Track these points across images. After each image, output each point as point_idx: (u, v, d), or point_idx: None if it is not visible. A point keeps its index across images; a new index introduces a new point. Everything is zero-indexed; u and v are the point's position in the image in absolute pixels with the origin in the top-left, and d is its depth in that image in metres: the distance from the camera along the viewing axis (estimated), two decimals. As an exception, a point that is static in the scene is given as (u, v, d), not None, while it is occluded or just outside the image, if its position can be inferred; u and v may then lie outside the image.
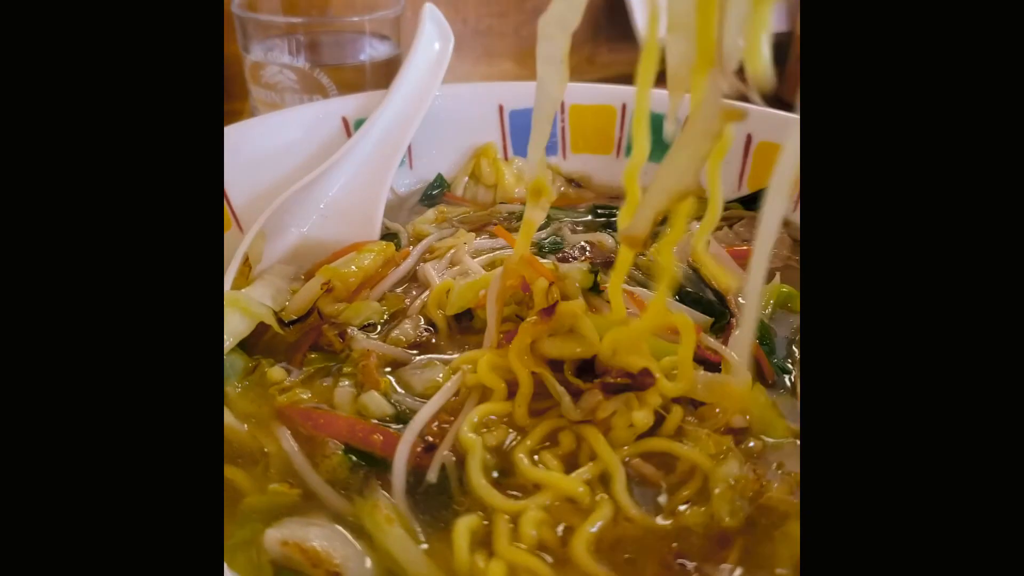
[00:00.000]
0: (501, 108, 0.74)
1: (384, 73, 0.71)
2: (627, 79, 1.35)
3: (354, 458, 0.42)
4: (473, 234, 0.62)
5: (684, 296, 0.53)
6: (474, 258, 0.57)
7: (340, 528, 0.39)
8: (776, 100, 0.36)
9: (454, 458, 0.42)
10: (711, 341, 0.47)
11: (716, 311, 0.52)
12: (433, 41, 0.69)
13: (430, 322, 0.52)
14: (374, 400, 0.45)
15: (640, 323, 0.43)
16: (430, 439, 0.42)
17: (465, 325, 0.52)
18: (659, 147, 0.40)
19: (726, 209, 0.66)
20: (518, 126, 0.74)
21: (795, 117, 0.30)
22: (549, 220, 0.64)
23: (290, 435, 0.44)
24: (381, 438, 0.42)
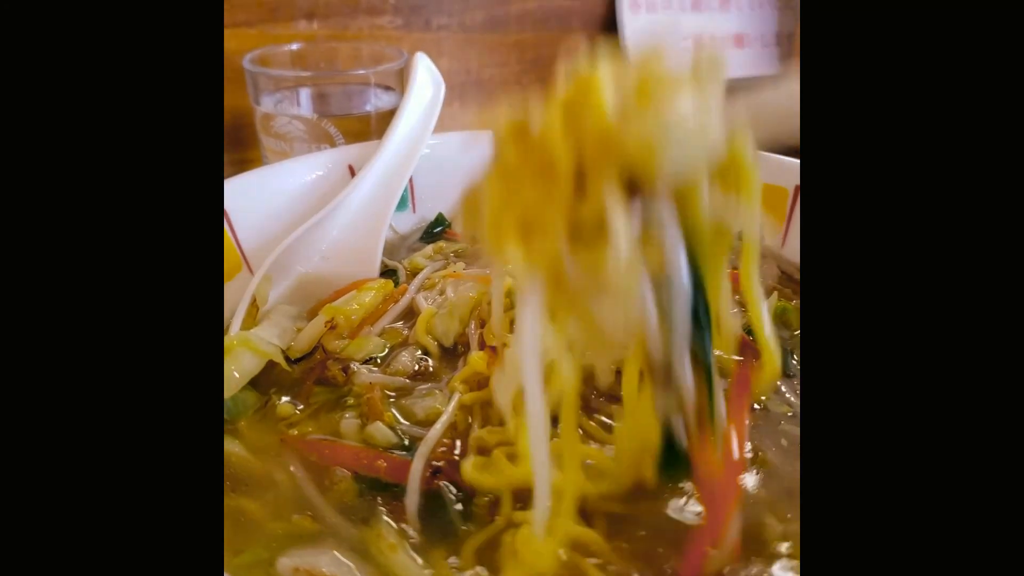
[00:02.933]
0: (499, 152, 0.77)
1: (388, 122, 0.74)
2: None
3: (362, 485, 0.44)
4: (463, 264, 0.65)
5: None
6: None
7: (349, 555, 0.41)
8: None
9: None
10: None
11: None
12: (426, 88, 0.73)
13: (426, 351, 0.55)
14: (380, 430, 0.47)
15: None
16: (435, 463, 0.44)
17: (457, 351, 0.55)
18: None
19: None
20: (517, 169, 0.77)
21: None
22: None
23: (299, 465, 0.46)
24: (385, 464, 0.44)
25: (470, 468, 0.42)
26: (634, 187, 0.30)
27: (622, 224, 0.28)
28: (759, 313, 0.39)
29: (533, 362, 0.31)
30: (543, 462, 0.33)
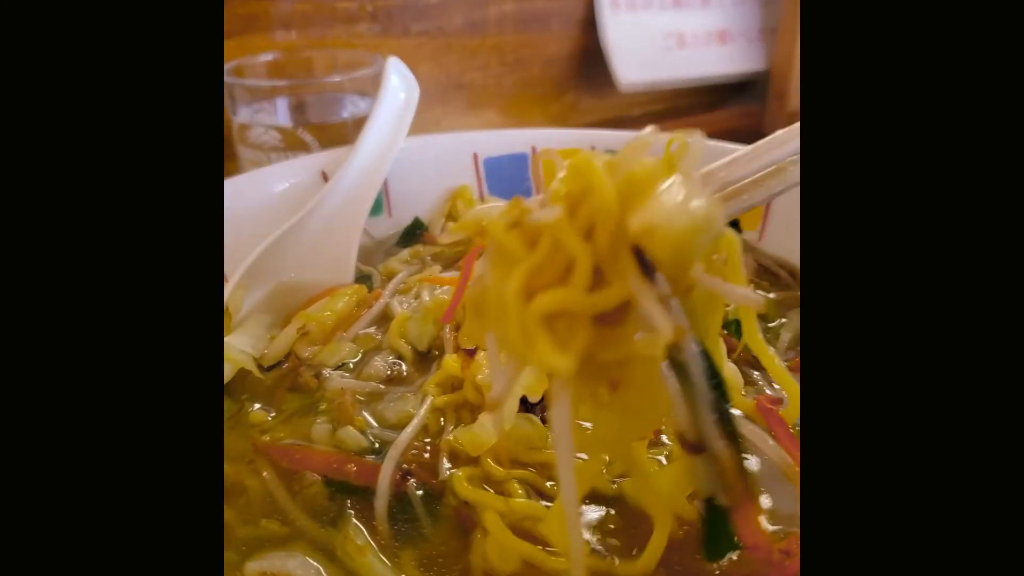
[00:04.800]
0: (476, 156, 0.77)
1: (364, 128, 0.75)
2: (610, 123, 1.39)
3: (332, 489, 0.44)
4: (439, 267, 0.65)
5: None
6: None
7: (317, 558, 0.41)
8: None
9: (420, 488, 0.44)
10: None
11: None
12: (398, 92, 0.73)
13: (399, 355, 0.55)
14: (350, 435, 0.47)
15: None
16: (405, 466, 0.44)
17: (432, 355, 0.55)
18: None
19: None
20: (492, 171, 0.78)
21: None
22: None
23: (271, 471, 0.46)
24: (355, 468, 0.44)
25: (465, 483, 0.43)
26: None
27: (656, 306, 0.28)
28: (778, 369, 0.42)
29: (568, 457, 0.31)
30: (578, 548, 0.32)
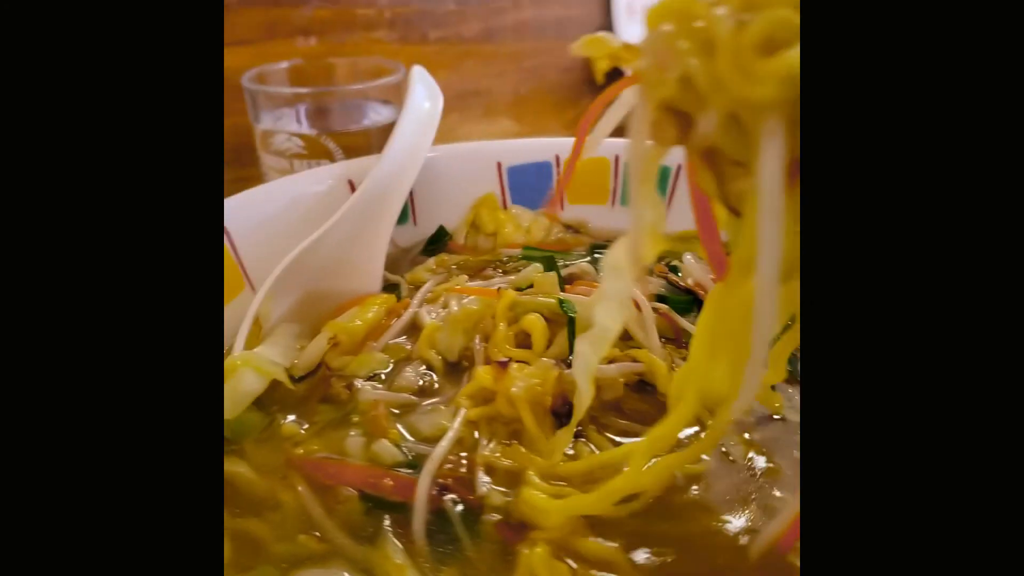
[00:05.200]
0: (499, 165, 0.77)
1: (387, 136, 0.74)
2: (622, 131, 1.39)
3: (368, 504, 0.44)
4: (466, 276, 0.65)
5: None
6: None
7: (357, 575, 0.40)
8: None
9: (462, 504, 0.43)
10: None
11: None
12: (423, 101, 0.73)
13: (430, 366, 0.54)
14: (386, 448, 0.47)
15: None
16: (441, 481, 0.44)
17: (462, 365, 0.55)
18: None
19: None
20: (516, 180, 0.77)
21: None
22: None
23: (305, 485, 0.45)
24: (392, 482, 0.44)
25: (542, 499, 0.41)
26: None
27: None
28: None
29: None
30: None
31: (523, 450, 0.45)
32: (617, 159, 0.77)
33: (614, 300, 0.37)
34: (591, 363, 0.39)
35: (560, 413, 0.48)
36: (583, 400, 0.41)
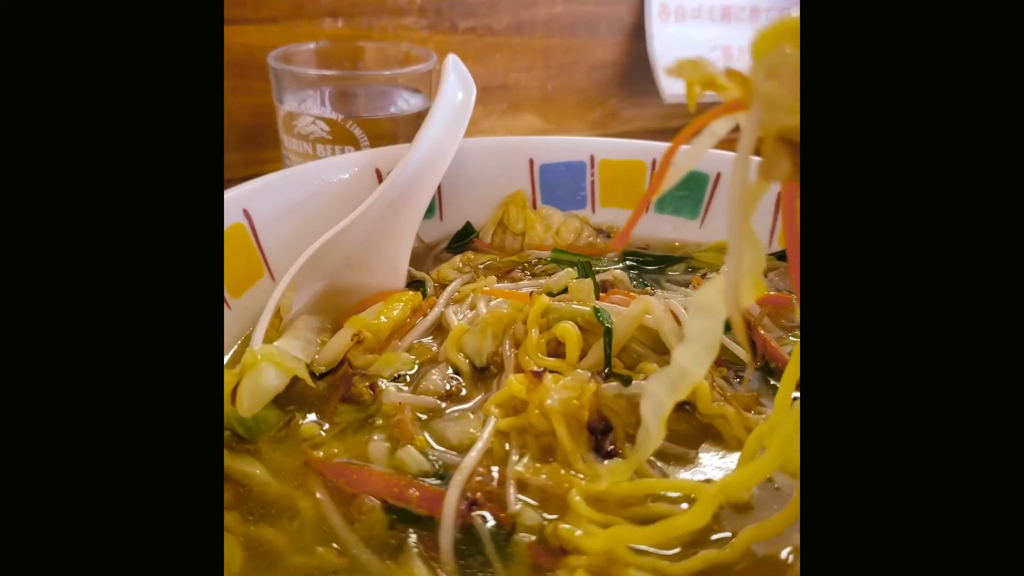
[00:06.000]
0: (532, 162, 0.74)
1: (415, 125, 0.71)
2: (648, 133, 1.37)
3: (392, 516, 0.41)
4: (494, 277, 0.62)
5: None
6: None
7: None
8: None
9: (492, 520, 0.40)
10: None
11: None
12: (456, 91, 0.70)
13: (457, 369, 0.52)
14: (412, 456, 0.44)
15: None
16: (470, 495, 0.41)
17: (490, 371, 0.52)
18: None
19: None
20: (548, 179, 0.75)
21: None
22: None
23: (324, 491, 0.43)
24: (418, 493, 0.41)
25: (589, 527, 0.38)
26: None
27: None
28: None
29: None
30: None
31: (563, 471, 0.42)
32: (653, 163, 0.74)
33: (701, 344, 0.34)
34: (665, 407, 0.36)
35: (596, 429, 0.46)
36: (650, 444, 0.37)
